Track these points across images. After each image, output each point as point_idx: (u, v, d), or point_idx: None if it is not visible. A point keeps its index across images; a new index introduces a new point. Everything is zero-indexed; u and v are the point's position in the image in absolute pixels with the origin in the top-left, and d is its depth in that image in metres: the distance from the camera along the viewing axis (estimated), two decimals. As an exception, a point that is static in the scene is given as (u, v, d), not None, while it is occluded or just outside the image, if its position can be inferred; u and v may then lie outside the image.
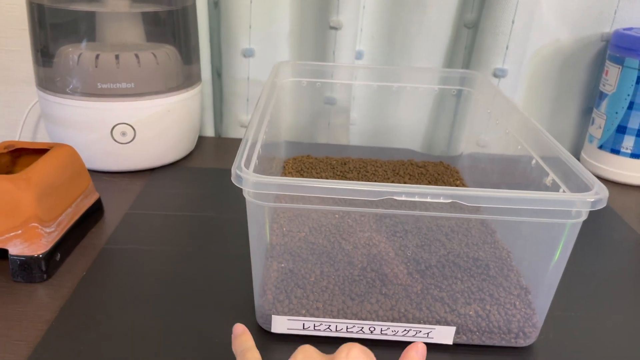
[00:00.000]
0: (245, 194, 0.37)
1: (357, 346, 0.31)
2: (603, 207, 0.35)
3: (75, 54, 0.62)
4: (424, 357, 0.34)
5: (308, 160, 0.71)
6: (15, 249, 0.46)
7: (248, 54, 0.76)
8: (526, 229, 0.44)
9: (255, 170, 0.37)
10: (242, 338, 0.36)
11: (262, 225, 0.40)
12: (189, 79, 0.69)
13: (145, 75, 0.63)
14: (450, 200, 0.35)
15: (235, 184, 0.36)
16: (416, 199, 0.35)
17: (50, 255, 0.47)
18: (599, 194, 0.35)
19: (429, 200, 0.35)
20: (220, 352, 0.40)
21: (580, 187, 0.37)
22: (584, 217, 0.36)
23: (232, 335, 0.37)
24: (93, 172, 0.65)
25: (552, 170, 0.43)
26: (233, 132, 0.82)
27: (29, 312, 0.43)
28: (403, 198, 0.35)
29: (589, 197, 0.35)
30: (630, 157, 0.69)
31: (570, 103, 0.80)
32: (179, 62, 0.68)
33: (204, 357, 0.39)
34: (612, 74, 0.69)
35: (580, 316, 0.46)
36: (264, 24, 0.75)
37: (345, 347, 0.31)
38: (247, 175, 0.35)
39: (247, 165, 0.37)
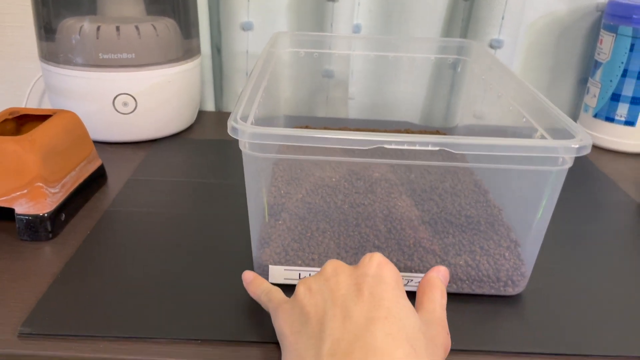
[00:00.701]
0: (241, 146, 0.38)
1: (378, 253, 0.35)
2: (587, 153, 0.36)
3: (76, 26, 0.63)
4: (446, 280, 0.37)
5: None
6: (21, 208, 0.47)
7: (247, 27, 0.77)
8: (516, 186, 0.45)
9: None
10: (257, 282, 0.39)
11: (259, 177, 0.42)
12: (188, 52, 0.70)
13: (145, 46, 0.64)
14: (438, 148, 0.36)
15: (232, 136, 0.37)
16: (405, 147, 0.36)
17: (55, 214, 0.48)
18: (582, 141, 0.36)
19: (417, 148, 0.36)
20: (222, 297, 0.41)
21: (566, 137, 0.38)
22: (568, 164, 0.37)
23: (244, 283, 0.40)
24: (96, 143, 0.66)
25: (541, 125, 0.44)
26: (233, 107, 0.83)
27: (36, 267, 0.45)
28: (392, 146, 0.36)
29: (572, 144, 0.36)
30: (624, 124, 0.70)
31: (567, 74, 0.81)
32: (179, 35, 0.69)
33: (205, 303, 0.41)
34: (606, 43, 0.70)
35: (570, 268, 0.47)
36: (262, -2, 0.77)
37: (367, 255, 0.35)
38: (243, 127, 0.37)
39: (244, 120, 0.38)
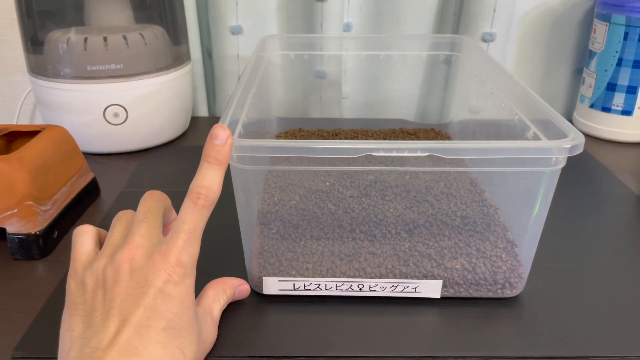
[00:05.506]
0: (228, 159, 0.38)
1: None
2: (579, 152, 0.35)
3: (63, 38, 0.63)
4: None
5: (300, 133, 0.72)
6: (13, 227, 0.47)
7: (236, 31, 0.76)
8: (512, 185, 0.45)
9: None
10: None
11: (248, 189, 0.41)
12: (178, 59, 0.69)
13: (133, 55, 0.64)
14: (427, 154, 0.35)
15: (218, 149, 0.36)
16: (394, 154, 0.35)
17: (47, 232, 0.48)
18: (575, 140, 0.35)
19: (406, 155, 0.35)
20: (214, 315, 0.41)
21: (559, 136, 0.38)
22: (562, 164, 0.36)
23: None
24: (88, 155, 0.66)
25: (533, 124, 0.43)
26: (222, 114, 0.83)
27: (28, 286, 0.44)
28: (381, 154, 0.35)
29: (565, 144, 0.35)
30: (621, 114, 0.69)
31: (562, 65, 0.80)
32: (167, 42, 0.68)
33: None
34: (599, 32, 0.69)
35: (569, 266, 0.46)
36: (251, 0, 0.76)
37: None
38: (229, 140, 0.36)
39: (233, 125, 0.37)
